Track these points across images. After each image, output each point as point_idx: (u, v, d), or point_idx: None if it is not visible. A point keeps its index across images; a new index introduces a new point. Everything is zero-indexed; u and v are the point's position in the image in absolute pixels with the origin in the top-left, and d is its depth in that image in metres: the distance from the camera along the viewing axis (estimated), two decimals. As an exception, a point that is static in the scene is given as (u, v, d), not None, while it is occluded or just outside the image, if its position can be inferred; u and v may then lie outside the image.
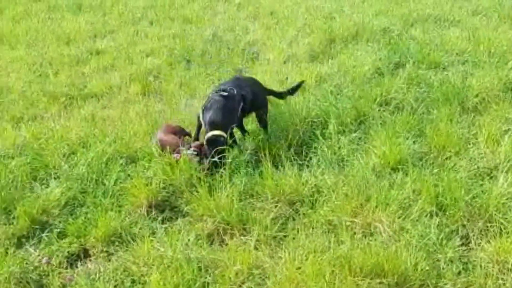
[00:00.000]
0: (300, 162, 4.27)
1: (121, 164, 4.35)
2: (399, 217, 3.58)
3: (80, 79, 6.18)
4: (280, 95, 5.07)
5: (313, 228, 3.57)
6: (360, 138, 4.57)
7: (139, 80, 6.04)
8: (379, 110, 4.94)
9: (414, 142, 4.42)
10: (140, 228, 3.70)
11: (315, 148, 4.45)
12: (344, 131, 4.63)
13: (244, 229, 3.63)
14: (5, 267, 3.29)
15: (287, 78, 5.85)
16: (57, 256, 3.51)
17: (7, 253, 3.41)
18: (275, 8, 8.57)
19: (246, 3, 9.01)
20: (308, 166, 4.26)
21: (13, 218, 3.78)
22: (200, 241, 3.55)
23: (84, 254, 3.57)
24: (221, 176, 4.01)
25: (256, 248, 3.44)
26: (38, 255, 3.51)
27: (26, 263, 3.41)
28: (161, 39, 7.45)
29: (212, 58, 6.69)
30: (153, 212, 3.87)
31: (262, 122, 4.74)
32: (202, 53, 6.83)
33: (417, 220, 3.55)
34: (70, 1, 9.31)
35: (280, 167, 4.18)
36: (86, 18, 8.42)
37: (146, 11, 8.66)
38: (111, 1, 9.23)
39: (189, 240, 3.51)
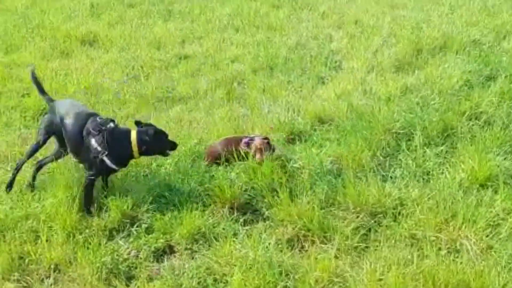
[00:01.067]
0: (384, 174, 4.24)
1: (206, 165, 4.51)
2: (487, 236, 3.47)
3: (169, 83, 6.43)
4: None
5: (395, 241, 3.52)
6: (446, 152, 4.46)
7: (224, 85, 6.22)
8: (467, 124, 4.79)
9: (505, 158, 4.24)
10: (223, 229, 3.80)
11: (399, 160, 4.40)
12: (430, 144, 4.54)
13: (325, 237, 3.64)
14: (98, 257, 3.49)
15: (371, 88, 5.80)
16: (144, 250, 3.68)
17: (100, 244, 3.62)
18: (360, 17, 8.51)
19: (331, 12, 9.01)
20: (391, 178, 4.21)
21: (106, 211, 4.00)
22: (280, 246, 3.60)
23: (169, 250, 3.72)
24: (302, 183, 4.06)
25: (336, 257, 3.45)
26: (127, 248, 3.69)
27: (117, 255, 3.59)
28: (246, 46, 7.60)
29: (295, 65, 6.76)
30: (235, 214, 3.96)
31: None
32: (285, 61, 6.91)
33: (506, 240, 3.41)
34: (161, 8, 9.73)
35: (362, 177, 4.15)
36: (176, 24, 8.75)
37: (232, 19, 8.87)
38: (199, 8, 9.54)
39: (269, 243, 3.57)
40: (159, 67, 6.90)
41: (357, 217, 3.78)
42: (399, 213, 3.78)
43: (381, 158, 4.47)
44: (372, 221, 3.76)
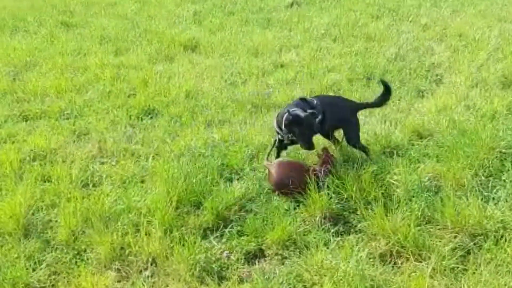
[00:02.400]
0: (486, 194, 4.04)
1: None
2: None
3: (265, 90, 6.53)
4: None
5: (497, 266, 3.34)
6: (556, 175, 4.16)
7: (319, 94, 6.22)
8: None
9: None
10: (314, 237, 3.80)
11: (503, 180, 4.17)
12: (538, 165, 4.26)
13: (420, 255, 3.53)
14: (193, 254, 3.62)
15: (474, 104, 5.56)
16: (236, 252, 3.76)
17: (195, 242, 3.74)
18: (464, 30, 8.18)
19: (433, 24, 8.75)
20: (494, 199, 4.00)
21: (201, 210, 4.14)
22: (372, 260, 3.53)
23: (260, 253, 3.78)
24: (398, 197, 3.98)
25: (431, 277, 3.33)
26: (220, 248, 3.80)
27: (210, 254, 3.70)
28: (343, 56, 7.57)
29: (393, 77, 6.62)
30: (327, 224, 3.95)
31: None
32: (384, 72, 6.79)
33: None
34: (261, 16, 9.93)
35: (462, 196, 3.99)
36: (274, 33, 8.89)
37: (329, 28, 8.87)
38: (297, 17, 9.63)
39: (361, 256, 3.52)
40: (256, 74, 7.03)
41: (455, 237, 3.64)
42: (502, 237, 3.58)
43: (483, 177, 4.26)
44: (472, 243, 3.59)
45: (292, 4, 10.48)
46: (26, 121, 5.85)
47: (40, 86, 6.68)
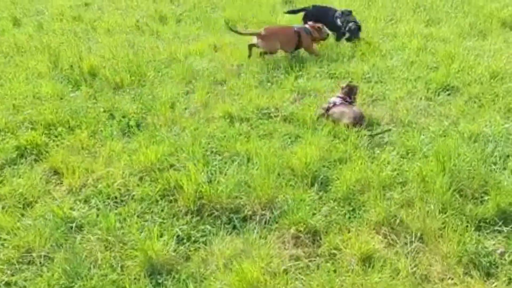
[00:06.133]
0: None
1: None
2: None
3: None
4: None
5: None
6: None
7: None
8: None
9: None
10: None
11: None
12: None
13: None
14: (463, 243, 3.51)
15: None
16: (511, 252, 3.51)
17: (467, 230, 3.62)
18: None
19: None
20: None
21: (481, 201, 3.95)
22: None
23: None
24: None
25: None
26: (493, 244, 3.60)
27: (480, 247, 3.54)
28: None
29: None
30: None
31: None
32: None
33: None
34: None
35: None
36: None
37: None
38: None
39: None
40: None
41: None
42: None
43: None
44: None
45: None
46: (331, 78, 6.34)
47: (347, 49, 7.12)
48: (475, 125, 4.97)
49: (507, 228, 3.71)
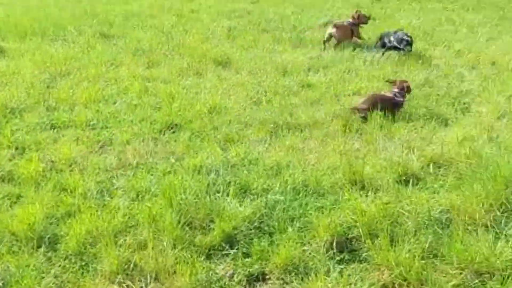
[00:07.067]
0: (498, 231, 3.95)
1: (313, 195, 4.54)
2: None
3: (288, 110, 6.55)
4: None
5: (500, 306, 3.27)
6: None
7: (342, 117, 6.19)
8: None
9: None
10: (317, 263, 3.79)
11: (519, 218, 4.07)
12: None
13: (422, 289, 3.49)
14: (195, 274, 3.66)
15: (497, 136, 5.44)
16: (239, 273, 3.79)
17: (197, 261, 3.79)
18: (498, 58, 8.03)
19: (466, 50, 8.62)
20: (506, 236, 3.91)
21: (209, 230, 4.19)
22: (372, 291, 3.51)
23: (262, 277, 3.79)
24: (406, 231, 3.94)
25: (432, 313, 3.28)
26: (223, 269, 3.84)
27: (211, 274, 3.74)
28: (371, 79, 7.53)
29: (419, 103, 6.55)
30: (332, 251, 3.92)
31: None
32: (409, 97, 6.72)
33: None
34: (293, 35, 10.01)
35: (473, 231, 3.91)
36: (304, 52, 8.94)
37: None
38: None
39: (361, 286, 3.50)
40: (281, 93, 7.07)
41: (460, 273, 3.57)
42: (508, 276, 3.49)
43: (498, 213, 4.17)
44: (477, 281, 3.53)
45: (326, 24, 10.48)
46: (54, 129, 6.04)
47: (71, 95, 6.90)
48: (198, 158, 5.28)
49: (233, 251, 3.99)
